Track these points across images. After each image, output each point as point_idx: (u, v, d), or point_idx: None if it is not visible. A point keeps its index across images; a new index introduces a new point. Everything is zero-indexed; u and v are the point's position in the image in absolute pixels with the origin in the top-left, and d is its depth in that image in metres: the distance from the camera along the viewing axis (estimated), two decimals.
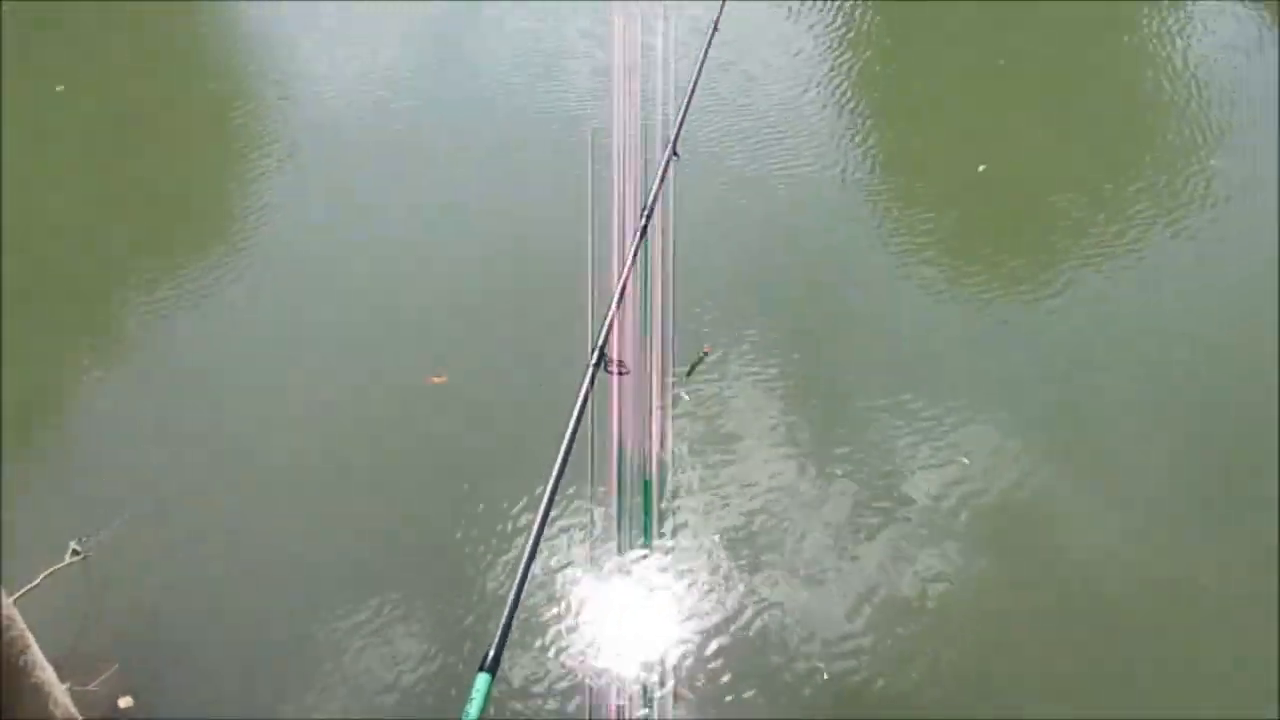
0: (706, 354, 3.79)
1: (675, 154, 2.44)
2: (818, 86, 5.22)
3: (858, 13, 5.95)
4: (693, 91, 2.51)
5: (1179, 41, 5.54)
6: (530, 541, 1.80)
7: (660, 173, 2.37)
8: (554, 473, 1.99)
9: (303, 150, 5.16)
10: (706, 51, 2.59)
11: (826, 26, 5.79)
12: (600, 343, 2.20)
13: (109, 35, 6.24)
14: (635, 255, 2.29)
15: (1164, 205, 4.43)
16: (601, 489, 3.31)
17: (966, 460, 3.38)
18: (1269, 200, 4.44)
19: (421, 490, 3.52)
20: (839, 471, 3.37)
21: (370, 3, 6.28)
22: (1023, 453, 3.40)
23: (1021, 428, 3.46)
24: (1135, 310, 3.99)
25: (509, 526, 3.35)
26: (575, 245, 3.82)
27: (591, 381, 2.16)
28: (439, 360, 3.87)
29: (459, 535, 3.33)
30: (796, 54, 5.52)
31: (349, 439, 3.73)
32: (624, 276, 2.22)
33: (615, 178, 3.84)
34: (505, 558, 3.24)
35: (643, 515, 3.31)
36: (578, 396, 2.10)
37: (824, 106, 5.09)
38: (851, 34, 5.78)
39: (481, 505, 3.40)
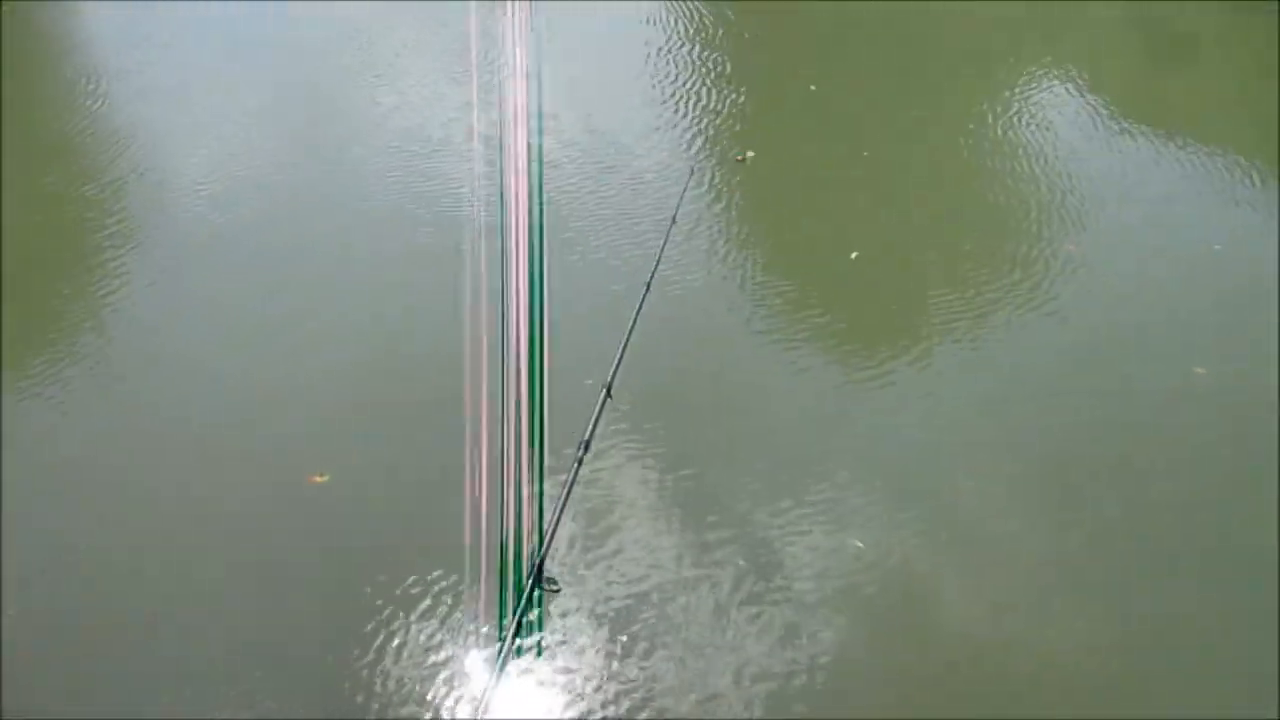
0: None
1: (609, 395, 2.88)
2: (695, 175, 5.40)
3: (727, 102, 6.21)
4: (628, 339, 2.95)
5: (1044, 133, 5.97)
6: None
7: (596, 413, 2.80)
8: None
9: (160, 252, 4.97)
10: (639, 312, 3.03)
11: (698, 113, 6.05)
12: (539, 561, 2.58)
13: None
14: (574, 477, 2.70)
15: (1027, 285, 4.77)
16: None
17: (860, 544, 3.53)
18: (1120, 282, 4.81)
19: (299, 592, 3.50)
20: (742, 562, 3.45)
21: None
22: (910, 534, 3.58)
23: (904, 509, 3.64)
24: (1003, 389, 4.24)
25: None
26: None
27: (529, 601, 2.54)
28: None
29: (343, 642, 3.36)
30: (665, 140, 5.73)
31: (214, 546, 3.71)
32: (561, 505, 2.63)
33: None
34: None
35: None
36: (511, 619, 2.48)
37: (697, 192, 5.26)
38: (723, 121, 6.02)
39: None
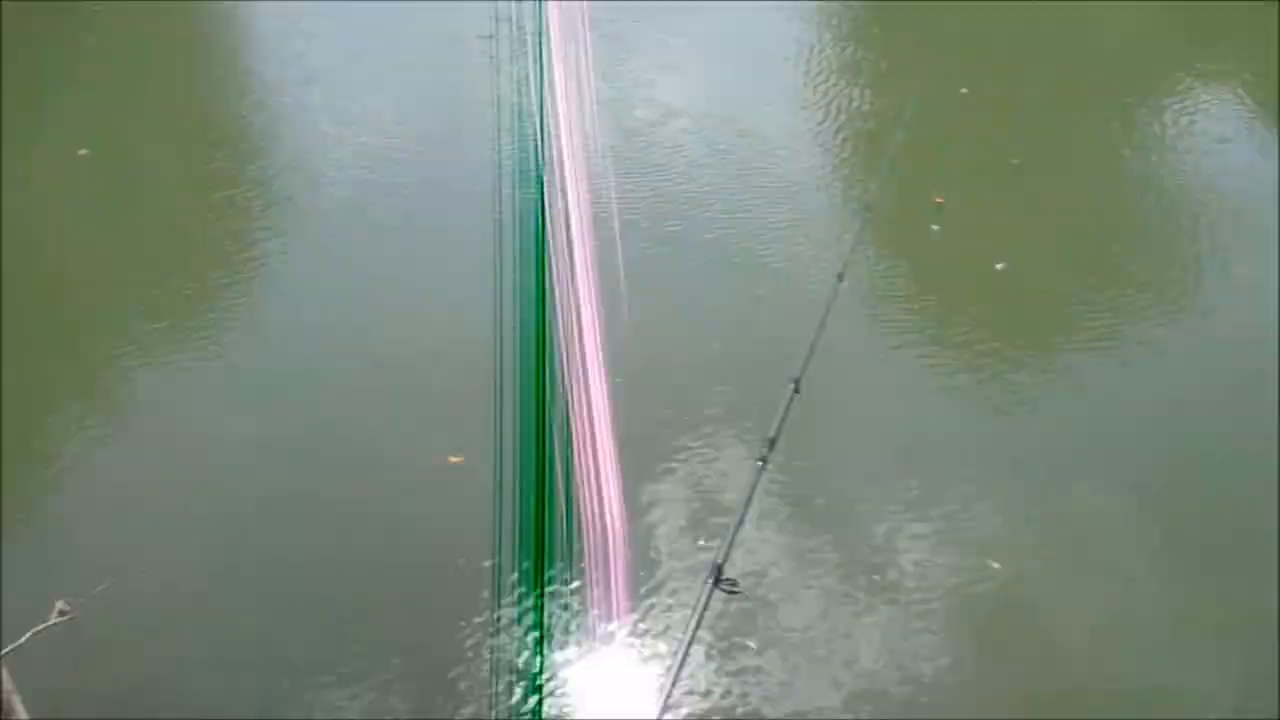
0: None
1: (797, 391, 2.65)
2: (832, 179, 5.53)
3: (877, 107, 6.13)
4: (818, 334, 2.74)
5: (1196, 146, 5.78)
6: None
7: (783, 411, 2.57)
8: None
9: (305, 228, 5.28)
10: (830, 306, 2.83)
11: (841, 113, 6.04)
12: (721, 562, 2.35)
13: (125, 102, 6.15)
14: (760, 478, 2.48)
15: (1174, 302, 4.67)
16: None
17: (996, 565, 3.51)
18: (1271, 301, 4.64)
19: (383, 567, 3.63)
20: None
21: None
22: (1045, 549, 3.57)
23: (1043, 526, 3.65)
24: (1145, 408, 4.19)
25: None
26: None
27: (708, 600, 2.30)
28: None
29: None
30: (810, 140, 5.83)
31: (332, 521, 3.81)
32: (745, 507, 2.41)
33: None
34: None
35: None
36: (694, 614, 2.24)
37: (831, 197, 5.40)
38: (870, 126, 5.97)
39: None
